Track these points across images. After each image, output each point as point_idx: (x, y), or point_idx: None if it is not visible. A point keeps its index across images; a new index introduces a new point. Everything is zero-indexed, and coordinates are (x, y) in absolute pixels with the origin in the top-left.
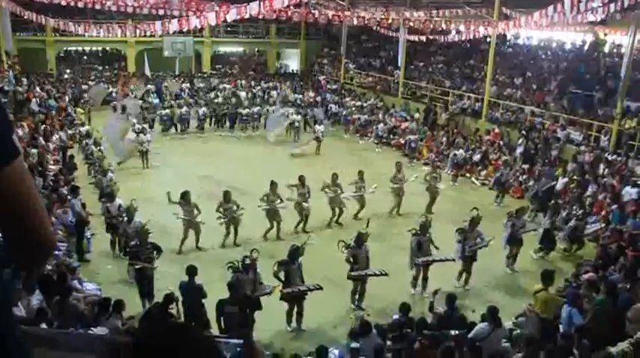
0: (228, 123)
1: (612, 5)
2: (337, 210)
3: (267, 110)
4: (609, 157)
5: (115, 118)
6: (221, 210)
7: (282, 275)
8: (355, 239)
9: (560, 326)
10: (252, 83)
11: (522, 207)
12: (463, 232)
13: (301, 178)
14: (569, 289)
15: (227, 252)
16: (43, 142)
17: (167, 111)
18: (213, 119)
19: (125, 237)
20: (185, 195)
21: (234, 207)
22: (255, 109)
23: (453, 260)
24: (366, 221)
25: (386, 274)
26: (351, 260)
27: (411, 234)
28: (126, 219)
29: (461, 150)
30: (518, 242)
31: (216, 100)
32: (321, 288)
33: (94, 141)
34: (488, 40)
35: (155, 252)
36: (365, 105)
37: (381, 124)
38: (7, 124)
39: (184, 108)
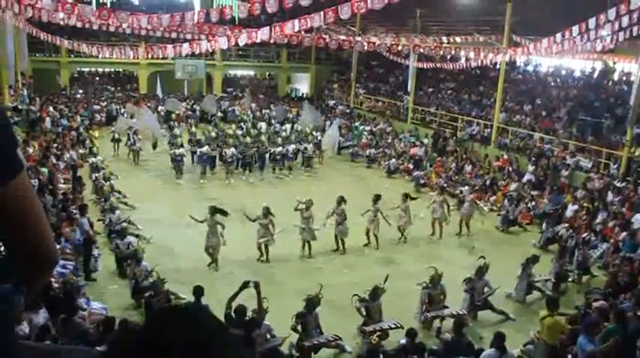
0: (257, 164)
1: (621, 34)
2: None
3: (306, 148)
4: (618, 184)
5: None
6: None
7: (299, 327)
8: (370, 292)
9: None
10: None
11: (535, 255)
12: (471, 281)
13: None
14: (585, 318)
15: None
16: (55, 161)
17: (182, 149)
18: (240, 161)
19: (134, 281)
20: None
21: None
22: (291, 148)
23: (464, 314)
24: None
25: (401, 327)
26: (364, 313)
27: (421, 288)
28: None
29: (467, 186)
30: (534, 288)
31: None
32: (340, 339)
33: (104, 177)
34: (497, 66)
35: (173, 297)
36: (374, 130)
37: (393, 160)
38: (12, 140)
39: (205, 148)
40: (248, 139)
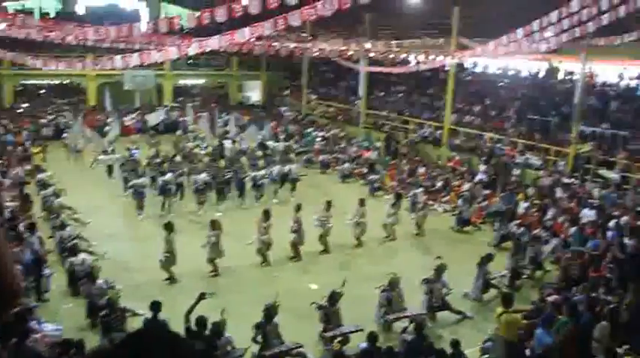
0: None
1: (564, 35)
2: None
3: (290, 169)
4: (566, 180)
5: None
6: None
7: (259, 338)
8: (329, 298)
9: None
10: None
11: (489, 254)
12: (429, 283)
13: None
14: (542, 312)
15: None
16: (0, 178)
17: (144, 179)
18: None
19: (89, 299)
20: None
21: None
22: (275, 169)
23: (425, 314)
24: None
25: (361, 330)
26: (324, 319)
27: (380, 291)
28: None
29: (420, 188)
30: (491, 286)
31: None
32: (301, 346)
33: (54, 193)
34: (447, 69)
35: (129, 314)
36: (327, 135)
37: (347, 164)
38: None
39: (169, 175)
40: (222, 163)
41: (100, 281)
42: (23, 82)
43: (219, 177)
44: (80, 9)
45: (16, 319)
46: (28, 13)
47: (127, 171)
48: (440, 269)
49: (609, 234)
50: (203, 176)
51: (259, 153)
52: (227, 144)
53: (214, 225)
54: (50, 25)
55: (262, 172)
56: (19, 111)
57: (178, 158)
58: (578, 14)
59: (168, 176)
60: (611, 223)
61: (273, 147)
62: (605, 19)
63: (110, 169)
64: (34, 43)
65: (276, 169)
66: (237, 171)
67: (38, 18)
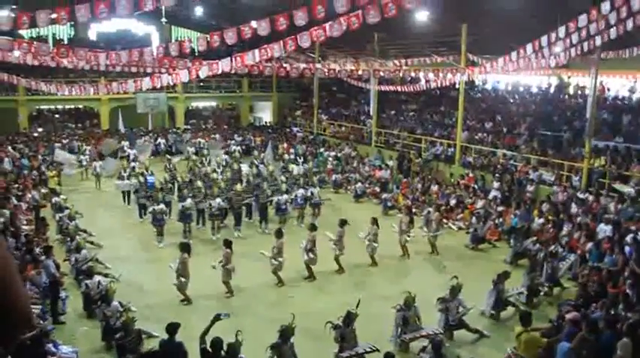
0: (258, 217)
1: (572, 50)
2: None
3: (312, 193)
4: (581, 196)
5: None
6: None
7: None
8: (344, 318)
9: None
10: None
11: (506, 271)
12: (444, 301)
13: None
14: (567, 328)
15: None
16: (16, 202)
17: (162, 206)
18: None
19: (105, 321)
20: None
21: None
22: (299, 192)
23: (441, 333)
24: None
25: (377, 350)
26: (339, 339)
27: (396, 310)
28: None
29: (432, 207)
30: (508, 304)
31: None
32: None
33: (69, 216)
34: (457, 86)
35: (144, 336)
36: (339, 155)
37: (359, 184)
38: None
39: (188, 201)
40: (239, 187)
41: (115, 304)
42: (38, 107)
43: (236, 202)
44: (92, 34)
45: (32, 342)
46: (43, 40)
47: (143, 197)
48: (455, 289)
49: (627, 249)
50: (218, 201)
51: (282, 177)
52: (244, 168)
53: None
54: (63, 51)
55: (285, 197)
56: (35, 134)
57: (199, 183)
58: (586, 28)
59: (188, 202)
60: (628, 238)
61: (292, 170)
62: (613, 33)
63: (125, 195)
64: (48, 69)
65: (300, 193)
66: (258, 195)
67: (52, 45)
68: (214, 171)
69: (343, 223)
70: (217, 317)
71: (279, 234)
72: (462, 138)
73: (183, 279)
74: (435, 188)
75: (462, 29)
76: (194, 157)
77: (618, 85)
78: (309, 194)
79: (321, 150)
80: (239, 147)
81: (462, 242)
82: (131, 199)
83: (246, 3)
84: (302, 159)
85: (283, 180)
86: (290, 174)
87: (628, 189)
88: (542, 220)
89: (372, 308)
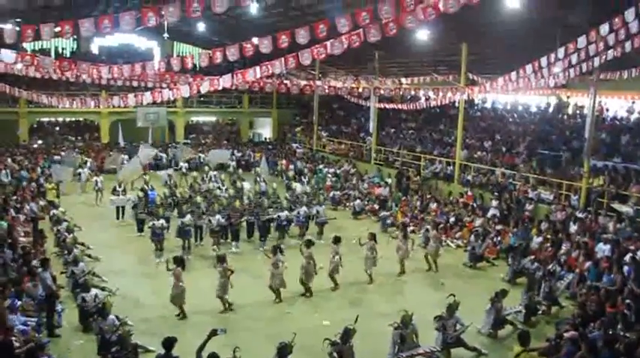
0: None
1: (572, 70)
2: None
3: (318, 211)
4: (579, 215)
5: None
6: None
7: None
8: (342, 335)
9: None
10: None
11: (503, 290)
12: (441, 319)
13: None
14: (566, 347)
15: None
16: (14, 214)
17: (162, 221)
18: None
19: (101, 335)
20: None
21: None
22: (302, 210)
23: (439, 351)
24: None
25: None
26: (336, 356)
27: (393, 328)
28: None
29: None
30: (506, 322)
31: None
32: None
33: (67, 228)
34: (456, 104)
35: (141, 351)
36: (339, 172)
37: (358, 201)
38: None
39: (187, 217)
40: (237, 203)
41: (111, 317)
42: (38, 119)
43: (235, 219)
44: (95, 48)
45: (27, 355)
46: (46, 53)
47: (142, 213)
48: (452, 306)
49: (625, 268)
50: (217, 218)
51: (286, 195)
52: (246, 185)
53: (220, 259)
54: (66, 65)
55: (286, 213)
56: (34, 146)
57: (199, 199)
58: (585, 49)
59: (187, 218)
60: (627, 257)
61: (295, 188)
62: (612, 54)
63: (119, 211)
64: (49, 81)
65: (302, 211)
66: (258, 212)
67: (54, 58)
68: (219, 188)
69: (337, 240)
70: (214, 332)
71: (275, 250)
72: (461, 156)
73: (178, 291)
74: (433, 206)
75: (462, 48)
76: (194, 174)
77: (617, 105)
78: (314, 212)
79: (320, 166)
80: (234, 163)
81: (461, 260)
82: (126, 214)
83: (247, 20)
84: (306, 179)
85: (287, 197)
86: (293, 192)
87: (626, 209)
88: (540, 239)
89: (370, 325)
